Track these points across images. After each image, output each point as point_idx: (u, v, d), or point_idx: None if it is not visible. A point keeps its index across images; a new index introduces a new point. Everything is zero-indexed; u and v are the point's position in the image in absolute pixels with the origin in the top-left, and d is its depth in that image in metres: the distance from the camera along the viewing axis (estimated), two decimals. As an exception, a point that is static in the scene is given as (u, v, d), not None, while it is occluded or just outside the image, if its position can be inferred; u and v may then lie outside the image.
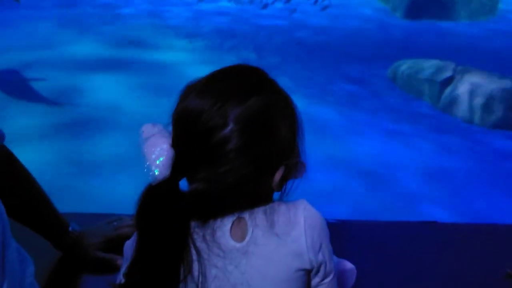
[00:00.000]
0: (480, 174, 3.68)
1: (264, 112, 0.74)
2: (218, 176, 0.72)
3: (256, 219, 0.77)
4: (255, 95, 0.74)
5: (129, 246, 1.04)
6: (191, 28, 6.82)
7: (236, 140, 0.71)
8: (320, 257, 0.80)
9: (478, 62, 5.16)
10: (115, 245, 1.20)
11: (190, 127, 0.72)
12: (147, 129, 0.74)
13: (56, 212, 1.17)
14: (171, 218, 0.73)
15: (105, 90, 4.75)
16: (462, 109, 4.57)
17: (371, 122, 4.44)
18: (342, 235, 1.29)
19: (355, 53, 6.08)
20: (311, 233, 0.79)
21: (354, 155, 3.85)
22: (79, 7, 7.54)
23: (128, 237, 1.11)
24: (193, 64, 5.41)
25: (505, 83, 4.54)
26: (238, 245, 0.76)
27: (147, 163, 0.71)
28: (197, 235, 0.76)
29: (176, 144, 0.72)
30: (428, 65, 5.07)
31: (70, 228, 1.19)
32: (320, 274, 0.82)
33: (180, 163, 0.72)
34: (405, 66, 5.25)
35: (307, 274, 0.82)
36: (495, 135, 4.28)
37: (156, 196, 0.73)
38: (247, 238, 0.77)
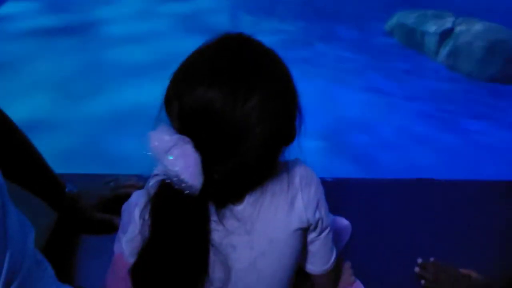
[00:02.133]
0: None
1: (277, 96, 0.73)
2: (241, 163, 0.71)
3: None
4: (263, 75, 0.72)
5: (126, 208, 1.04)
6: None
7: (257, 125, 0.70)
8: (317, 214, 0.82)
9: (478, 12, 5.03)
10: (112, 205, 1.20)
11: (213, 124, 0.69)
12: (159, 140, 0.70)
13: (52, 173, 1.17)
14: (195, 215, 0.73)
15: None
16: (461, 62, 4.50)
17: (367, 78, 4.38)
18: (338, 192, 1.29)
19: (350, 3, 5.92)
20: (307, 192, 0.81)
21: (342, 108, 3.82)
22: None
23: (125, 197, 1.11)
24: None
25: (505, 35, 4.45)
26: (245, 211, 0.77)
27: (177, 177, 0.69)
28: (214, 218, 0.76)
29: (199, 144, 0.69)
30: (427, 17, 4.95)
31: (66, 189, 1.19)
32: (317, 230, 0.85)
33: (210, 163, 0.70)
34: (402, 18, 5.13)
35: (305, 231, 0.84)
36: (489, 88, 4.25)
37: (186, 200, 0.71)
38: (251, 202, 0.78)
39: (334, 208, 1.19)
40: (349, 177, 1.44)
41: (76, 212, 1.18)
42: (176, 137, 0.69)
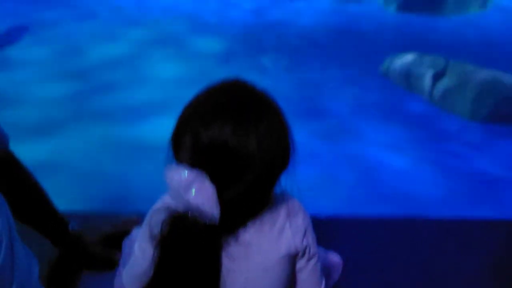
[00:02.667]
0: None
1: (275, 130, 0.83)
2: (247, 189, 0.79)
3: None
4: (264, 115, 0.82)
5: (127, 243, 1.08)
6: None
7: (262, 156, 0.79)
8: (304, 242, 0.89)
9: (469, 56, 5.20)
10: (114, 242, 1.23)
11: (226, 157, 0.78)
12: (178, 177, 0.78)
13: (55, 211, 1.21)
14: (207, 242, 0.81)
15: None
16: (455, 103, 4.61)
17: (363, 118, 4.47)
18: (330, 230, 1.33)
19: (348, 47, 6.10)
20: (295, 221, 0.88)
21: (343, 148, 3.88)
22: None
23: (126, 233, 1.15)
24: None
25: (496, 76, 4.59)
26: (246, 238, 0.84)
27: (198, 209, 0.76)
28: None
29: (213, 177, 0.77)
30: (420, 60, 5.11)
31: (69, 227, 1.22)
32: (305, 257, 0.90)
33: (220, 191, 0.78)
34: (397, 61, 5.29)
35: (293, 258, 0.90)
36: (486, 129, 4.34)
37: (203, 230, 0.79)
38: (253, 229, 0.85)
39: (327, 245, 1.22)
40: (342, 214, 1.48)
41: (78, 249, 1.22)
42: (195, 172, 0.77)
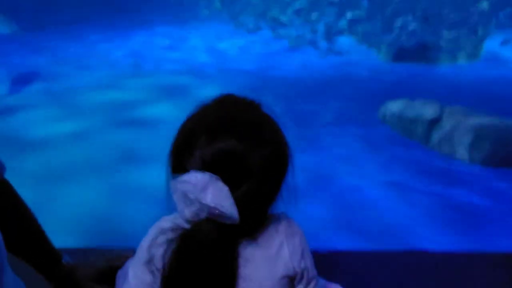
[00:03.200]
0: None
1: (278, 143, 0.87)
2: (254, 189, 0.81)
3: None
4: (266, 125, 0.87)
5: (121, 275, 1.06)
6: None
7: (261, 164, 0.81)
8: (302, 264, 0.87)
9: (463, 102, 5.31)
10: (107, 277, 1.21)
11: (234, 167, 0.80)
12: (194, 180, 0.78)
13: (50, 245, 1.19)
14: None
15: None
16: (452, 147, 4.65)
17: (361, 163, 4.50)
18: (330, 264, 1.31)
19: (347, 95, 6.24)
20: (292, 241, 0.86)
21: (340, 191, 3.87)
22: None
23: (119, 269, 1.13)
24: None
25: (490, 120, 4.65)
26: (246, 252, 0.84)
27: (218, 210, 0.77)
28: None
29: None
30: (416, 105, 5.21)
31: (63, 260, 1.20)
32: (304, 281, 0.88)
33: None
34: (394, 106, 5.39)
35: (291, 281, 0.87)
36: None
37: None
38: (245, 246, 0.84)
39: (327, 279, 1.19)
40: (341, 249, 1.46)
41: (71, 283, 1.19)
42: (208, 175, 0.78)
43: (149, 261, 0.87)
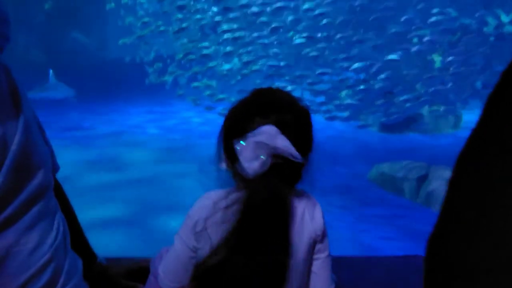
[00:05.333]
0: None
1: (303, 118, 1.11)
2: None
3: (295, 202, 1.08)
4: (294, 102, 1.11)
5: (157, 259, 1.22)
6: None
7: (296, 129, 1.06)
8: (323, 227, 1.10)
9: (447, 164, 5.65)
10: (137, 274, 1.32)
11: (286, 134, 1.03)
12: (266, 130, 1.01)
13: (87, 244, 1.30)
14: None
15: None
16: (438, 203, 4.92)
17: (354, 219, 4.70)
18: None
19: (338, 160, 6.55)
20: (312, 210, 1.10)
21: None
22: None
23: (148, 267, 1.27)
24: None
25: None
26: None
27: (288, 150, 1.01)
28: None
29: None
30: (403, 166, 5.55)
31: (98, 260, 1.31)
32: (323, 243, 1.09)
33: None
34: (383, 167, 5.72)
35: (314, 243, 1.08)
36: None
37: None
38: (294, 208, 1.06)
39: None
40: (342, 254, 1.50)
41: (105, 280, 1.28)
42: (274, 127, 1.01)
43: (195, 226, 1.02)
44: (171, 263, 1.07)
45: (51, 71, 8.72)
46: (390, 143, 7.71)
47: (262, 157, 1.01)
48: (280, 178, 1.03)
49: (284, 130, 1.02)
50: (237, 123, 1.07)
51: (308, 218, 1.07)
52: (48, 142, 0.90)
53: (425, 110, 8.18)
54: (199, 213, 1.04)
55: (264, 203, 1.00)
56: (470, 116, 8.09)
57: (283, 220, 1.02)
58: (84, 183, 5.50)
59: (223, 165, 1.09)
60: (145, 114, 10.58)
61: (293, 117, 1.05)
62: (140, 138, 8.13)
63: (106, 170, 6.13)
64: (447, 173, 5.15)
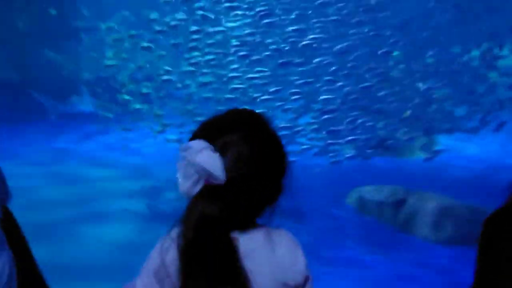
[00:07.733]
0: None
1: (272, 142, 1.04)
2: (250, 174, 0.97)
3: (254, 237, 0.99)
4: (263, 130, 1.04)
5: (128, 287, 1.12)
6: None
7: (257, 158, 0.99)
8: (306, 273, 1.00)
9: (424, 187, 5.67)
10: None
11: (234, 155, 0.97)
12: (193, 145, 0.97)
13: (43, 282, 1.18)
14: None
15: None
16: (416, 227, 4.92)
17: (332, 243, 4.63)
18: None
19: (317, 185, 6.51)
20: (295, 253, 1.01)
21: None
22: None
23: None
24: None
25: (451, 203, 5.01)
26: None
27: (204, 170, 0.94)
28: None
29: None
30: (382, 191, 5.55)
31: None
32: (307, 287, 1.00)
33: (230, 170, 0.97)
34: (361, 192, 5.71)
35: None
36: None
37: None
38: (251, 247, 0.97)
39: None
40: None
41: None
42: (205, 142, 0.94)
43: (159, 268, 0.96)
44: None
45: None
46: (367, 168, 7.72)
47: (193, 176, 0.94)
48: (223, 202, 0.94)
49: (227, 150, 0.96)
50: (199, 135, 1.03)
51: (290, 263, 0.98)
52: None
53: (400, 133, 8.27)
54: (158, 250, 0.99)
55: (193, 234, 0.94)
56: (445, 140, 8.23)
57: (215, 252, 0.93)
58: None
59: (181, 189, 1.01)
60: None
61: (239, 138, 0.98)
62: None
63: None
64: (425, 196, 5.16)
